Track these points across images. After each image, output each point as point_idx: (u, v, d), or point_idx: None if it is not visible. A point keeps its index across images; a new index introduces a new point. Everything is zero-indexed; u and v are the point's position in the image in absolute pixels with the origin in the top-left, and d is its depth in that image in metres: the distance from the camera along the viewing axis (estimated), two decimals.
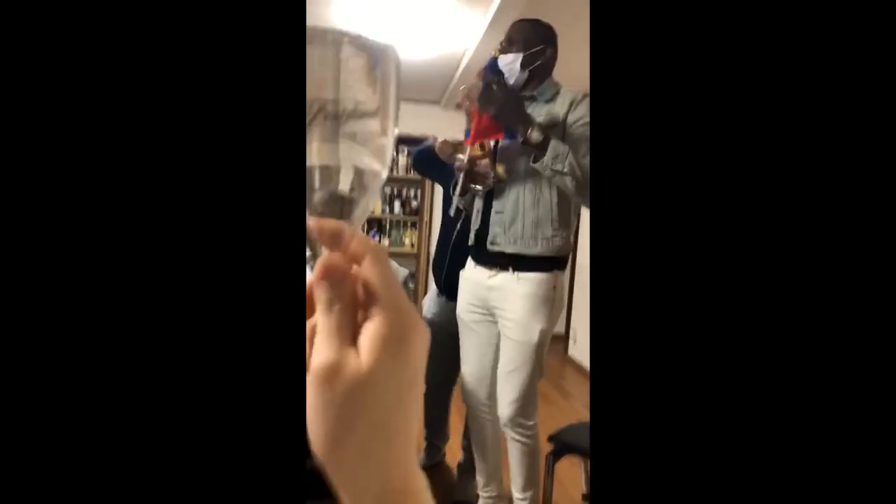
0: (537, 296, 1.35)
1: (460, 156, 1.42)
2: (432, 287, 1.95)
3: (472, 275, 1.48)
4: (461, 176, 1.40)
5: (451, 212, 1.53)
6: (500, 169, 1.40)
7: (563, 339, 4.25)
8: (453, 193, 1.46)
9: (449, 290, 1.73)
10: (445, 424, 2.04)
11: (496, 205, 1.39)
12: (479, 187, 1.42)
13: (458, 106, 1.54)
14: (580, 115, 1.30)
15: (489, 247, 1.39)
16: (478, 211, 1.46)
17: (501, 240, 1.37)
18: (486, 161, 1.40)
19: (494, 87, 1.23)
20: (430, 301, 1.92)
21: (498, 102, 1.22)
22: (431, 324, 1.87)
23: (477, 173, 1.40)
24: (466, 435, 1.85)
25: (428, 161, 1.90)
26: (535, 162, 1.24)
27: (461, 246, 1.65)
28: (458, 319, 1.53)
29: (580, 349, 3.97)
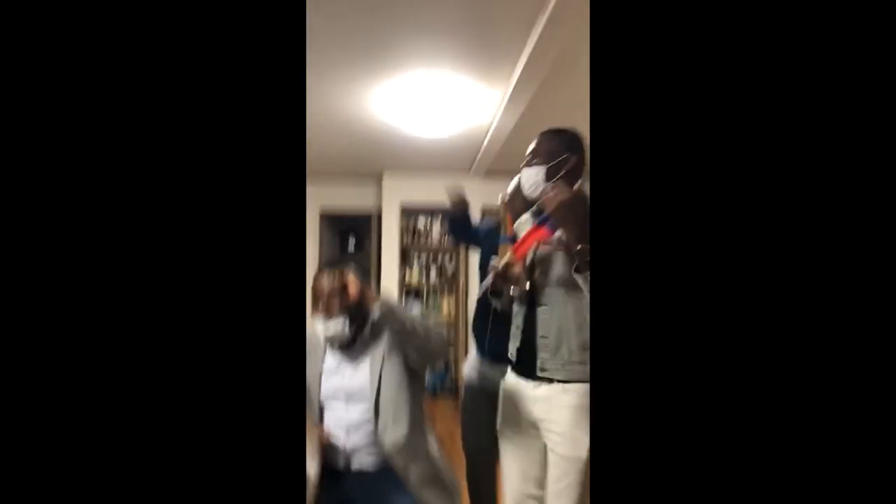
0: (585, 407, 1.29)
1: (493, 263, 1.42)
2: (473, 350, 1.93)
3: (514, 386, 1.43)
4: (492, 278, 1.40)
5: (479, 290, 1.52)
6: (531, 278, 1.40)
7: None
8: (485, 289, 1.47)
9: (493, 355, 1.72)
10: (493, 498, 1.96)
11: (540, 329, 1.36)
12: (513, 291, 1.40)
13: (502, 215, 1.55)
14: None
15: (539, 373, 1.36)
16: (517, 327, 1.43)
17: (550, 366, 1.34)
18: (518, 267, 1.39)
19: (571, 203, 1.22)
20: (473, 364, 1.87)
21: (559, 204, 1.21)
22: (472, 387, 1.84)
23: (510, 277, 1.39)
24: None
25: (463, 228, 1.98)
26: (577, 272, 1.23)
27: (502, 313, 1.63)
28: (499, 433, 1.48)
29: None
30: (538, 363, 1.36)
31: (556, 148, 1.39)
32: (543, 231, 1.30)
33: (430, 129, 3.30)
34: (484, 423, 1.75)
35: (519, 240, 1.37)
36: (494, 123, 3.07)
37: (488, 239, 1.84)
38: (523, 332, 1.41)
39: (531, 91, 2.49)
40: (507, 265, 1.38)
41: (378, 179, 4.56)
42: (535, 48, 2.10)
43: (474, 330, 1.91)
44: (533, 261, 1.42)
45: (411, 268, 4.60)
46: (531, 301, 1.41)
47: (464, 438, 1.91)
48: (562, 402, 1.31)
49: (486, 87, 2.66)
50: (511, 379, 1.45)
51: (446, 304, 4.58)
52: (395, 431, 1.37)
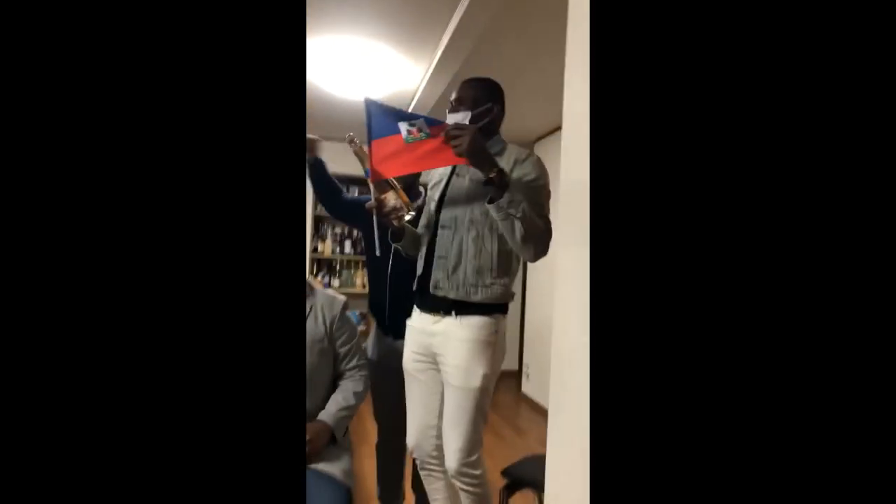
0: (479, 340, 1.36)
1: (370, 202, 1.42)
2: (374, 328, 1.85)
3: (417, 322, 1.48)
4: (374, 216, 1.40)
5: (378, 252, 1.52)
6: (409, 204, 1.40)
7: (517, 375, 4.26)
8: (377, 236, 1.45)
9: (395, 329, 1.69)
10: (400, 482, 1.95)
11: (439, 249, 1.40)
12: (406, 217, 1.40)
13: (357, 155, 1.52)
14: (525, 172, 1.35)
15: (432, 291, 1.40)
16: (421, 256, 1.47)
17: (444, 285, 1.38)
18: (392, 195, 1.40)
19: (464, 128, 1.25)
20: (375, 343, 1.82)
21: (470, 141, 1.22)
22: (379, 367, 1.78)
23: (389, 209, 1.40)
24: (423, 501, 1.76)
25: (342, 207, 1.87)
26: (490, 202, 1.25)
27: (398, 284, 1.63)
28: (404, 370, 1.51)
29: (533, 386, 3.99)
30: (433, 282, 1.40)
31: (480, 96, 1.42)
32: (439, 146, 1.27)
33: (350, 93, 3.14)
34: (390, 408, 1.73)
35: (373, 158, 1.34)
36: (418, 94, 2.98)
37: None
38: (425, 259, 1.44)
39: (455, 66, 2.44)
40: (378, 200, 1.38)
41: None
42: (458, 25, 2.04)
43: (373, 308, 1.84)
44: (444, 193, 1.43)
45: (324, 239, 4.45)
46: (435, 229, 1.43)
47: (376, 417, 1.89)
48: (458, 336, 1.36)
49: (410, 60, 2.57)
50: (416, 315, 1.49)
51: (360, 278, 4.50)
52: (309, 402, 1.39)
